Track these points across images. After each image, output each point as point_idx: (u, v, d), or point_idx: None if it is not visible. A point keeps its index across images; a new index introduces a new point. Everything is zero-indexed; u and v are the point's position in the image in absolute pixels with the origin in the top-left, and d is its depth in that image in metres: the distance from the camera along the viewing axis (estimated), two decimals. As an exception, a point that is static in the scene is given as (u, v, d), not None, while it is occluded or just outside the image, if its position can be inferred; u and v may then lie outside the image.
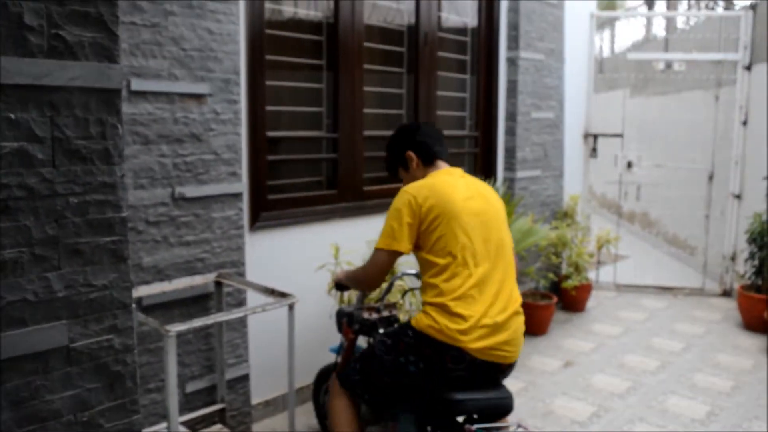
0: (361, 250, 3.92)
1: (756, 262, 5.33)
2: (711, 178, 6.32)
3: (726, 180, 6.11)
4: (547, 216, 5.65)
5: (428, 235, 2.34)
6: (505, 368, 2.42)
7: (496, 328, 2.29)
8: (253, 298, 3.28)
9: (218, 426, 2.20)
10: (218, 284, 3.21)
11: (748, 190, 5.85)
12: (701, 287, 6.34)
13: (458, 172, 2.56)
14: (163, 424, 2.96)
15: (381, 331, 2.76)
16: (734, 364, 4.54)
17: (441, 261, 2.32)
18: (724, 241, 6.15)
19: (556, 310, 5.48)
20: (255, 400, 3.56)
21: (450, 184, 2.41)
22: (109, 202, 1.43)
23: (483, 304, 2.29)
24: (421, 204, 2.33)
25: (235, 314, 2.73)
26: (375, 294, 3.39)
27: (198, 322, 2.55)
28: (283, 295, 2.89)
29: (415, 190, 2.37)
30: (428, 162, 2.57)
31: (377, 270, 2.46)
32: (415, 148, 2.58)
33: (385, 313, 2.85)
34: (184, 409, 3.19)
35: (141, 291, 2.93)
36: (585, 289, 5.64)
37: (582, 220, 5.88)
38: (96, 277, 1.43)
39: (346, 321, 2.86)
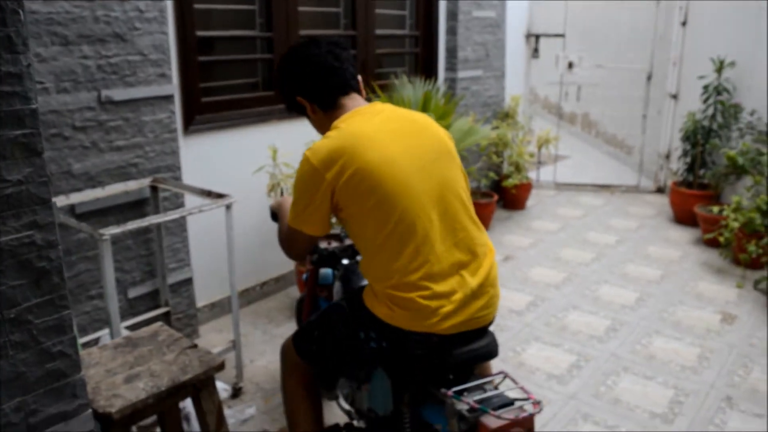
0: (299, 151, 3.88)
1: (688, 159, 5.52)
2: (649, 78, 6.40)
3: (664, 80, 6.20)
4: (489, 117, 5.67)
5: (353, 208, 1.79)
6: (479, 330, 1.92)
7: (468, 298, 1.81)
8: (192, 203, 3.25)
9: (157, 323, 2.22)
10: (154, 189, 3.16)
11: (685, 90, 5.96)
12: (637, 185, 6.56)
13: (371, 109, 1.90)
14: (107, 330, 2.98)
15: (345, 262, 2.41)
16: (664, 255, 4.78)
17: (378, 239, 1.78)
18: (659, 140, 6.32)
19: (497, 208, 5.62)
20: (200, 303, 3.60)
21: (367, 134, 1.80)
22: (17, 93, 1.36)
23: (449, 277, 1.80)
24: (333, 181, 1.75)
25: (170, 216, 2.70)
26: None
27: (132, 225, 2.52)
28: (219, 196, 2.86)
29: (321, 160, 1.76)
30: (328, 106, 1.94)
31: (291, 246, 2.01)
32: (304, 91, 1.94)
33: (348, 241, 2.47)
34: (127, 314, 3.21)
35: (73, 198, 2.87)
36: (525, 188, 5.78)
37: (523, 120, 5.93)
38: (10, 172, 1.38)
39: None
